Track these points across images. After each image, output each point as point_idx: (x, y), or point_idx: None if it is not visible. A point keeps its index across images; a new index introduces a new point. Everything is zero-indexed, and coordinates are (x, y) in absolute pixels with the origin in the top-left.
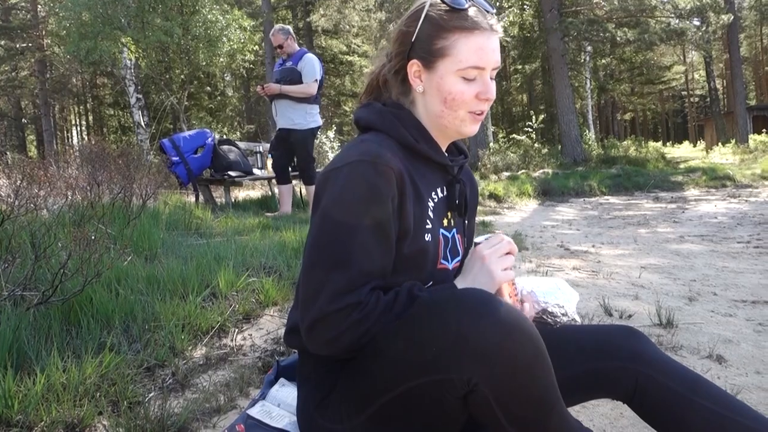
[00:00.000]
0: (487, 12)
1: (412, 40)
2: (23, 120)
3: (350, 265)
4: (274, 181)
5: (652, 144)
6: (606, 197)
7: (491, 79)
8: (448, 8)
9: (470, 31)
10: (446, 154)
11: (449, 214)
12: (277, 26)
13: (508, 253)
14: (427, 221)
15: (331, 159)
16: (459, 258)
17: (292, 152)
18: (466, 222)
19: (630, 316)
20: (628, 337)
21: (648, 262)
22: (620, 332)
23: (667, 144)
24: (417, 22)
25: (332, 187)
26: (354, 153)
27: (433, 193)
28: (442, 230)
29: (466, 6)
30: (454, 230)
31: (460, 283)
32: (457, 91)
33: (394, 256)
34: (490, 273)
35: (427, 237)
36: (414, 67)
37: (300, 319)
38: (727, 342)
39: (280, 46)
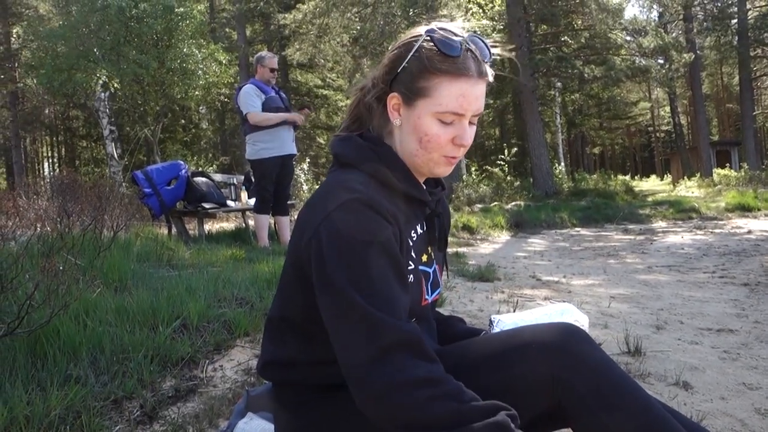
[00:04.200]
0: (481, 58)
1: (398, 71)
2: None
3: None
4: (248, 213)
5: (620, 177)
6: (576, 229)
7: (471, 124)
8: (438, 51)
9: (456, 76)
10: (425, 188)
11: (429, 249)
12: (269, 53)
13: None
14: (409, 262)
15: (307, 192)
16: (439, 290)
17: (281, 180)
18: (443, 253)
19: (600, 344)
20: None
21: (617, 291)
22: None
23: (635, 177)
24: (408, 54)
25: (338, 237)
26: (345, 192)
27: (413, 231)
28: (422, 267)
29: (459, 53)
30: (435, 265)
31: None
32: (433, 134)
33: None
34: None
35: (409, 278)
36: (394, 99)
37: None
38: (693, 369)
39: (277, 71)
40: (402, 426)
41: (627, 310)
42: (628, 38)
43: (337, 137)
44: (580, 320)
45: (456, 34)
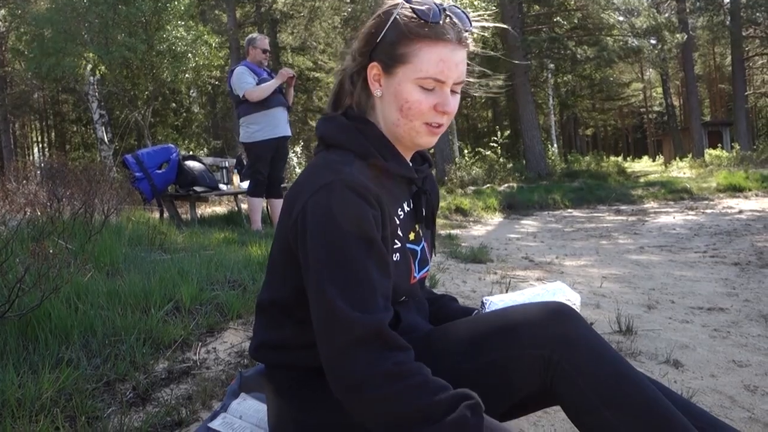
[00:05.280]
0: (460, 25)
1: (377, 41)
2: None
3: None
4: (241, 196)
5: (612, 158)
6: (569, 210)
7: (454, 92)
8: (417, 17)
9: (434, 41)
10: (411, 165)
11: (416, 226)
12: (260, 34)
13: None
14: (396, 241)
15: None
16: (427, 267)
17: (275, 162)
18: (431, 230)
19: (591, 324)
20: None
21: (609, 272)
22: None
23: (628, 158)
24: (385, 24)
25: (320, 218)
26: (328, 174)
27: (399, 209)
28: (409, 245)
29: (438, 19)
30: (423, 243)
31: None
32: (413, 100)
33: None
34: None
35: (396, 256)
36: (374, 69)
37: (336, 375)
38: (683, 347)
39: (269, 52)
40: (368, 419)
41: (619, 289)
42: (621, 18)
43: (322, 118)
44: (572, 299)
45: (434, 2)
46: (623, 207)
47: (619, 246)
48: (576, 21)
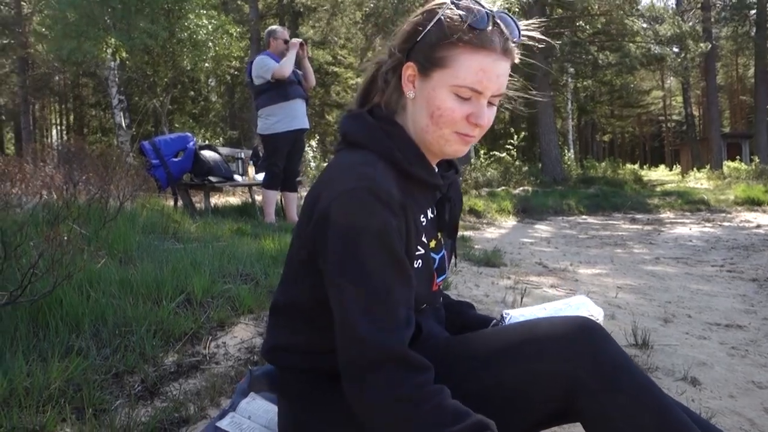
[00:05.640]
0: (507, 34)
1: (417, 40)
2: (1, 117)
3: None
4: (255, 188)
5: (629, 166)
6: (584, 217)
7: (491, 105)
8: (462, 20)
9: (477, 49)
10: (437, 171)
11: (438, 234)
12: (280, 27)
13: None
14: (419, 247)
15: (314, 169)
16: (444, 276)
17: (291, 155)
18: (452, 239)
19: None
20: None
21: (624, 282)
22: None
23: (644, 167)
24: (427, 23)
25: (340, 227)
26: (352, 178)
27: (423, 215)
28: (431, 253)
29: (485, 25)
30: (443, 251)
31: None
32: (446, 108)
33: None
34: None
35: (418, 263)
36: (409, 70)
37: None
38: (701, 365)
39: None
40: None
41: (634, 301)
42: (645, 25)
43: (347, 115)
44: (595, 314)
45: (483, 6)
46: (639, 216)
47: (634, 255)
48: (599, 26)
